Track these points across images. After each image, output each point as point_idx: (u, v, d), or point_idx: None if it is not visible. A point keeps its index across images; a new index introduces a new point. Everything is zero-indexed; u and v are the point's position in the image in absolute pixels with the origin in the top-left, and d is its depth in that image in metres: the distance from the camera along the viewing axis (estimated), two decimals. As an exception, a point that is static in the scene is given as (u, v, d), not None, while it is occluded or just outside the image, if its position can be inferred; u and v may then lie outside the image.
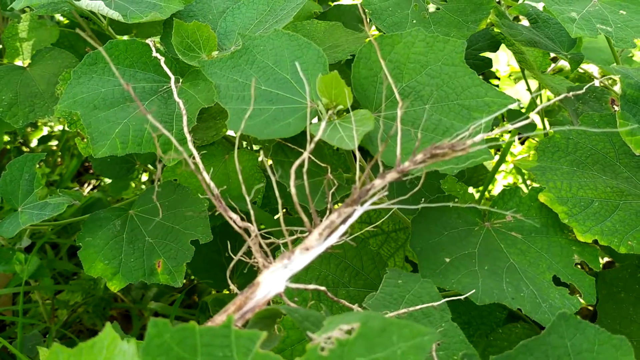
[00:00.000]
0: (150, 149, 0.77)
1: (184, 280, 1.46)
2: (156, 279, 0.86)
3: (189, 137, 0.50)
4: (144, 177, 1.72)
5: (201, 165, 0.51)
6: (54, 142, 1.92)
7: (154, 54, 0.75)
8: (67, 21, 1.48)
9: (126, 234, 0.89)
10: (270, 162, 0.82)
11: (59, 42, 1.30)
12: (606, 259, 1.41)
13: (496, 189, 1.76)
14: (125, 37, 1.45)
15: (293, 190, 0.46)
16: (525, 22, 1.09)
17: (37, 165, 1.84)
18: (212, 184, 0.51)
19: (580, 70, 1.73)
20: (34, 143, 1.92)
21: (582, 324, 0.54)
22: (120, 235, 0.89)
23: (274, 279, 0.46)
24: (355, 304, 0.57)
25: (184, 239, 0.88)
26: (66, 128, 0.91)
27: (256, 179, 1.04)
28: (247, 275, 1.12)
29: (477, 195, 1.66)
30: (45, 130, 1.92)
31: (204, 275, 1.15)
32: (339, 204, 1.02)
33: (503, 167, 1.81)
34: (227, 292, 1.33)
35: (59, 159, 1.88)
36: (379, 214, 1.02)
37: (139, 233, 0.89)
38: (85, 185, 1.90)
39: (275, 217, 1.13)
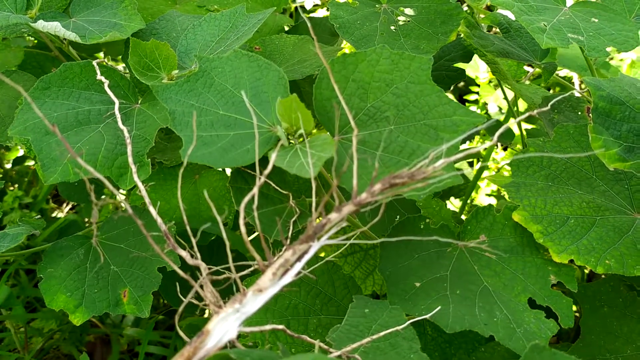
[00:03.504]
0: (105, 173, 0.74)
1: (165, 301, 1.43)
2: (122, 310, 0.82)
3: (133, 169, 0.47)
4: (120, 195, 1.68)
5: (147, 200, 0.48)
6: (30, 163, 1.88)
7: (98, 77, 0.71)
8: (36, 42, 1.44)
9: (90, 263, 0.86)
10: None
11: (25, 64, 1.26)
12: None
13: (479, 197, 1.73)
14: (98, 55, 1.42)
15: (243, 229, 0.43)
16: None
17: (11, 188, 1.80)
18: (159, 219, 0.48)
19: (561, 75, 1.72)
20: (9, 165, 1.87)
21: (557, 355, 0.51)
22: (84, 264, 0.85)
23: (225, 326, 0.43)
24: (321, 339, 0.54)
25: (150, 266, 0.85)
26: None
27: (227, 199, 1.00)
28: (223, 293, 1.09)
29: (459, 204, 1.63)
30: (21, 151, 1.88)
31: (177, 300, 1.11)
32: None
33: (486, 173, 1.79)
34: (208, 311, 1.30)
35: (35, 180, 1.84)
36: (352, 231, 0.99)
37: (103, 261, 0.86)
38: (64, 205, 1.86)
39: (250, 237, 1.10)
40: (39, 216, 1.06)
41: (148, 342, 1.21)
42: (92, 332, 1.38)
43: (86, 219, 1.58)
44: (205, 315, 1.31)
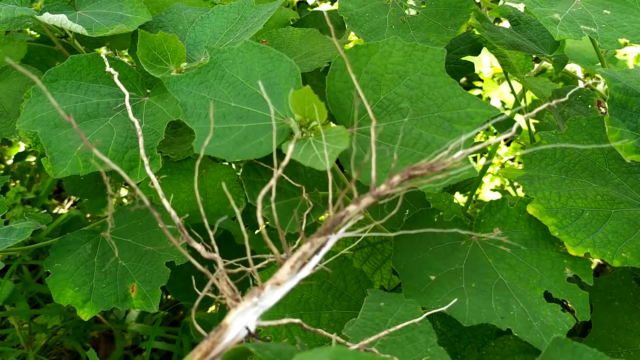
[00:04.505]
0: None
1: (169, 296, 1.42)
2: (130, 305, 0.82)
3: (146, 161, 0.46)
4: (123, 191, 1.67)
5: (160, 192, 0.47)
6: (32, 159, 1.87)
7: (108, 68, 0.70)
8: (38, 35, 1.43)
9: (97, 257, 0.85)
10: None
11: (28, 58, 1.25)
12: (597, 261, 1.38)
13: (484, 192, 1.73)
14: (104, 49, 1.41)
15: (260, 222, 0.42)
16: (506, 23, 1.06)
17: (12, 184, 1.79)
18: (173, 212, 0.47)
19: (566, 68, 1.71)
20: (10, 160, 1.86)
21: (579, 348, 0.50)
22: (91, 259, 0.84)
23: (243, 320, 0.42)
24: (334, 333, 0.53)
25: (159, 261, 0.84)
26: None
27: (235, 193, 1.00)
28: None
29: (464, 199, 1.63)
30: (22, 146, 1.87)
31: (184, 296, 1.11)
32: (321, 220, 0.98)
33: (490, 169, 1.79)
34: (214, 305, 1.29)
35: (37, 176, 1.83)
36: (364, 225, 0.98)
37: (111, 256, 0.85)
38: (66, 201, 1.85)
39: (256, 232, 1.09)
40: (44, 211, 1.05)
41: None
42: (95, 328, 1.37)
43: (89, 215, 1.58)
44: (210, 310, 1.30)
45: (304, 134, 0.61)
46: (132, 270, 0.84)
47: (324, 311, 0.73)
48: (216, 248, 0.46)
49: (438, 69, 0.66)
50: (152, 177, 0.51)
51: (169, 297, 1.42)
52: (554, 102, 0.53)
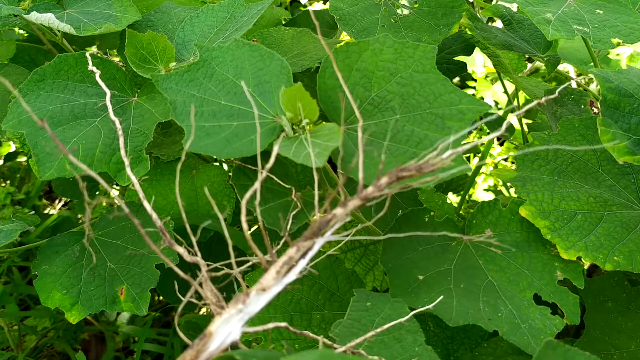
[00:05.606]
0: (102, 169, 0.72)
1: (160, 297, 1.41)
2: (119, 308, 0.80)
3: (126, 162, 0.45)
4: (114, 191, 1.66)
5: (141, 194, 0.46)
6: (22, 159, 1.85)
7: (90, 67, 0.69)
8: (27, 34, 1.42)
9: (86, 260, 0.84)
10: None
11: (17, 57, 1.24)
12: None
13: (477, 192, 1.72)
14: (94, 49, 1.40)
15: (245, 226, 0.41)
16: (499, 23, 1.06)
17: (2, 184, 1.77)
18: (154, 215, 0.46)
19: (559, 68, 1.70)
20: (0, 160, 1.85)
21: (571, 351, 0.49)
22: (80, 261, 0.83)
23: (228, 327, 0.41)
24: (321, 335, 0.52)
25: (148, 263, 0.83)
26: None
27: (225, 194, 0.99)
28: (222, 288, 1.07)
29: (457, 199, 1.62)
30: (12, 147, 1.85)
31: (174, 297, 1.10)
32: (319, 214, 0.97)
33: (483, 169, 1.78)
34: (205, 306, 1.28)
35: (28, 176, 1.81)
36: (356, 225, 0.98)
37: (99, 258, 0.84)
38: (57, 201, 1.83)
39: (249, 232, 1.08)
40: (32, 212, 1.03)
41: (144, 340, 1.19)
42: (86, 330, 1.36)
43: (79, 215, 1.56)
44: (202, 312, 1.29)
45: (296, 133, 0.61)
46: (121, 272, 0.82)
47: (315, 312, 0.72)
48: (199, 252, 0.45)
49: (429, 66, 0.65)
50: (133, 178, 0.50)
51: (160, 298, 1.41)
52: (543, 98, 0.52)
